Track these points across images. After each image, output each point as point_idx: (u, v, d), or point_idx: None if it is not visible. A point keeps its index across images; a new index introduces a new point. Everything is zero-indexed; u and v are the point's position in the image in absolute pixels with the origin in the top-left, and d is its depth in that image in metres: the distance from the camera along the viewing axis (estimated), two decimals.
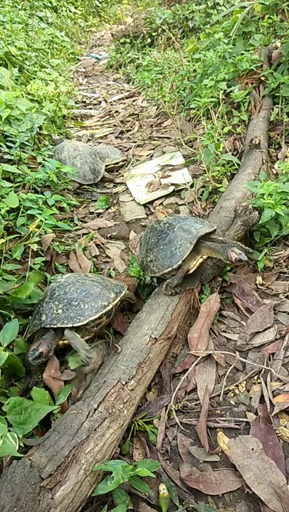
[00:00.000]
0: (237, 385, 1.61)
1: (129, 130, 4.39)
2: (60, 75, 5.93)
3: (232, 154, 2.94)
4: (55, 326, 1.63)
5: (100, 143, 4.22)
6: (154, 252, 1.92)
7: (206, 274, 2.01)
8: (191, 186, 2.95)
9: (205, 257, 1.92)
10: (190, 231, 1.88)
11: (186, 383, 1.66)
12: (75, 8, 11.64)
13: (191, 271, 1.90)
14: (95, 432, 1.31)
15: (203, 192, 2.86)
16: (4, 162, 2.66)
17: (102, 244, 2.63)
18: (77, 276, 1.85)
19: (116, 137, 4.33)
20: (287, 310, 1.85)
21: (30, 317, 1.80)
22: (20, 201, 2.21)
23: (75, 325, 1.63)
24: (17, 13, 7.33)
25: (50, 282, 2.05)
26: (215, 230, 1.97)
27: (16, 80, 4.41)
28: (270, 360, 1.65)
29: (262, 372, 1.61)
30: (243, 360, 1.69)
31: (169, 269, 1.84)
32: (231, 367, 1.68)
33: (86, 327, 1.69)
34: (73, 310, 1.65)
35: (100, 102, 5.75)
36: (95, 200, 3.20)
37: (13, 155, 2.72)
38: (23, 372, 1.64)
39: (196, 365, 1.71)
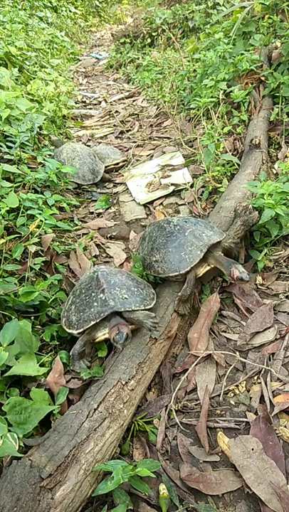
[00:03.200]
0: (237, 385, 1.61)
1: (129, 130, 4.39)
2: (60, 75, 5.93)
3: (232, 154, 2.94)
4: (130, 309, 1.63)
5: (100, 143, 4.21)
6: (161, 252, 1.90)
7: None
8: (191, 186, 2.95)
9: (212, 265, 1.91)
10: (201, 238, 1.85)
11: (186, 383, 1.66)
12: (75, 8, 11.64)
13: (198, 276, 1.89)
14: (95, 432, 1.31)
15: (203, 192, 2.85)
16: (4, 162, 2.66)
17: (102, 244, 2.63)
18: (111, 267, 1.91)
19: (116, 137, 4.33)
20: (287, 310, 1.85)
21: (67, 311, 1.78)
22: (20, 201, 2.21)
23: (146, 307, 1.68)
24: (17, 13, 7.33)
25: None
26: (224, 238, 1.96)
27: (16, 80, 4.41)
28: (270, 360, 1.65)
29: (262, 372, 1.61)
30: (243, 360, 1.69)
31: (176, 273, 1.82)
32: (231, 367, 1.68)
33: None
34: (137, 295, 1.70)
35: (100, 102, 5.75)
36: (95, 200, 3.20)
37: (13, 155, 2.72)
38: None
39: (196, 365, 1.71)
